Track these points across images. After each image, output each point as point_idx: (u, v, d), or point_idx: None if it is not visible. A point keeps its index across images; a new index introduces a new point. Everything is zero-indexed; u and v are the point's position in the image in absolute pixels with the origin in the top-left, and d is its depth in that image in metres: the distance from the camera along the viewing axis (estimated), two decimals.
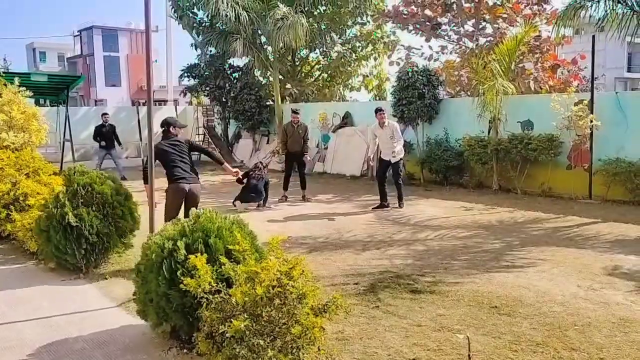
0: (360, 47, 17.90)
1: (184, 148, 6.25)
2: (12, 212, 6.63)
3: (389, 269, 5.63)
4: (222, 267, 3.48)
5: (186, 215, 5.69)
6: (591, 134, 9.43)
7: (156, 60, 52.86)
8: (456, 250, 6.35)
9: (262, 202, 9.74)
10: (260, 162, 10.33)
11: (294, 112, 10.49)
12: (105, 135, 13.49)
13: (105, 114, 14.04)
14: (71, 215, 5.28)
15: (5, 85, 9.55)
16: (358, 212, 9.10)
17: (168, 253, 3.72)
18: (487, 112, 10.44)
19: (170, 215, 5.78)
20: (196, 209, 6.08)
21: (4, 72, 11.46)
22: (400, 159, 9.32)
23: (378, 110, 9.32)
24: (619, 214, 8.29)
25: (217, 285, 3.36)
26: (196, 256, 3.46)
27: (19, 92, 8.56)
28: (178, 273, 3.58)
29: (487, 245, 6.62)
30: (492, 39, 12.51)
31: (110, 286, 5.26)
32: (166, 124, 6.31)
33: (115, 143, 13.77)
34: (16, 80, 8.83)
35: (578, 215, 8.23)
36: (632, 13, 8.46)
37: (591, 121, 9.24)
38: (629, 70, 40.58)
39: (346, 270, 5.64)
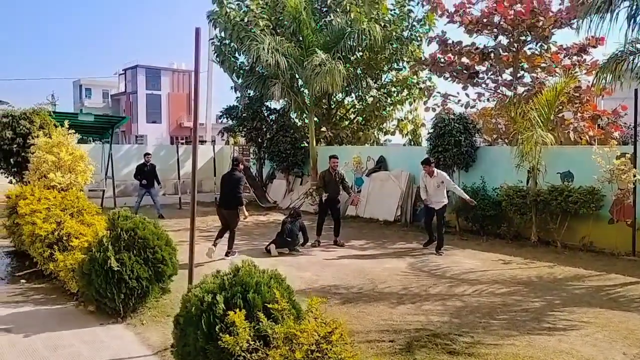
0: (396, 92, 18.07)
1: (233, 181, 8.95)
2: (55, 251, 6.82)
3: (425, 326, 5.52)
4: (260, 324, 3.49)
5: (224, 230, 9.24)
6: (634, 188, 9.19)
7: None
8: (495, 308, 6.19)
9: (297, 246, 9.77)
10: (295, 209, 10.42)
11: (334, 157, 10.60)
12: (147, 174, 13.86)
13: (148, 154, 14.44)
14: (113, 260, 5.40)
15: (55, 126, 10.00)
16: (392, 261, 8.99)
17: (207, 307, 3.75)
18: (525, 162, 10.32)
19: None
20: (229, 228, 9.06)
21: (54, 112, 12.02)
22: (444, 205, 9.83)
23: (425, 162, 9.78)
24: None
25: (254, 343, 3.37)
26: (235, 312, 3.49)
27: (68, 134, 8.95)
28: (216, 328, 3.60)
29: (527, 303, 6.43)
30: (530, 88, 12.46)
31: (147, 332, 5.31)
32: (233, 160, 9.45)
33: (155, 182, 14.12)
34: (66, 123, 9.24)
35: (622, 274, 7.94)
36: None
37: (634, 175, 9.02)
38: None
39: (381, 326, 5.56)
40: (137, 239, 5.65)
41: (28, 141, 9.76)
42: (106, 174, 14.61)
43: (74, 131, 9.23)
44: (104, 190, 14.77)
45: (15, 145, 10.06)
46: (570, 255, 9.40)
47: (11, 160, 10.15)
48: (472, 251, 9.86)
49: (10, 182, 10.72)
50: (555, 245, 10.09)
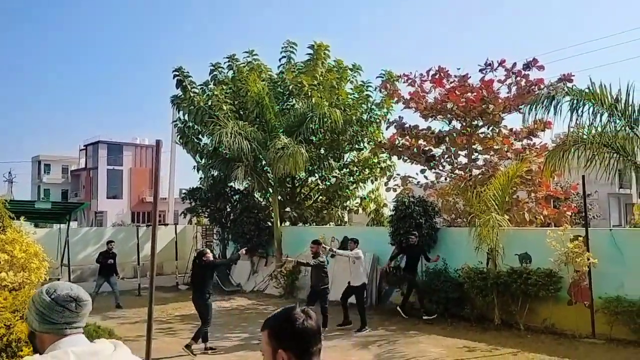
0: (357, 171, 18.48)
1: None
2: (3, 359, 6.45)
3: None
4: None
5: None
6: (589, 271, 9.47)
7: None
8: None
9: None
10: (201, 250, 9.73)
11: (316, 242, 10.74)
12: (108, 263, 13.48)
13: (111, 241, 14.10)
14: None
15: (11, 217, 9.70)
16: (358, 352, 8.84)
17: None
18: (484, 244, 10.55)
19: None
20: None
21: (9, 201, 11.69)
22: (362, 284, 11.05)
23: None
24: (625, 358, 8.07)
25: None
26: None
27: (22, 231, 8.69)
28: None
29: None
30: (484, 171, 12.97)
31: None
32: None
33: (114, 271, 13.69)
34: (22, 219, 9.01)
35: None
36: (618, 156, 8.88)
37: (588, 259, 9.31)
38: (621, 187, 41.49)
39: None
40: None
41: None
42: (62, 262, 14.13)
43: (30, 223, 9.00)
44: (58, 278, 14.21)
45: None
46: (533, 339, 9.45)
47: None
48: (437, 336, 9.81)
49: None
50: (518, 328, 10.15)
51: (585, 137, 9.09)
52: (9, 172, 54.84)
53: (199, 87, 17.49)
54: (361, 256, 10.87)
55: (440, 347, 9.00)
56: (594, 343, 9.04)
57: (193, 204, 18.40)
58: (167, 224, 18.92)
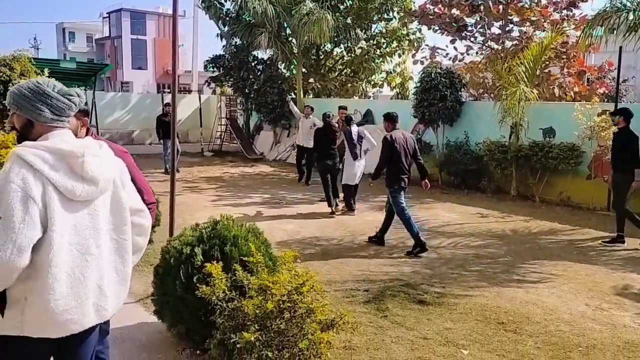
0: (385, 44, 17.84)
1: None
2: None
3: (399, 277, 5.73)
4: (236, 274, 3.63)
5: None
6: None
7: (182, 45, 53.28)
8: (467, 260, 6.42)
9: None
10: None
11: (342, 107, 10.78)
12: (169, 126, 13.57)
13: (168, 104, 14.12)
14: None
15: (37, 73, 9.81)
16: (373, 213, 9.18)
17: (186, 258, 3.88)
18: (508, 117, 10.41)
19: None
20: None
21: (34, 59, 11.76)
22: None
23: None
24: (636, 229, 8.20)
25: (230, 293, 3.51)
26: (212, 263, 3.62)
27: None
28: (194, 278, 3.73)
29: (499, 256, 6.66)
30: (518, 42, 12.38)
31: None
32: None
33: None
34: (46, 71, 9.10)
35: (594, 229, 8.20)
36: None
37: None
38: None
39: (357, 276, 5.77)
40: None
41: (8, 89, 9.58)
42: (89, 123, 14.47)
43: (54, 79, 9.07)
44: None
45: None
46: (547, 210, 9.65)
47: None
48: (452, 204, 10.07)
49: None
50: (534, 200, 10.33)
51: (629, 3, 8.47)
52: (34, 38, 54.55)
53: None
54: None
55: (454, 213, 9.27)
56: (607, 215, 9.17)
57: (216, 73, 18.24)
58: (191, 91, 18.94)
